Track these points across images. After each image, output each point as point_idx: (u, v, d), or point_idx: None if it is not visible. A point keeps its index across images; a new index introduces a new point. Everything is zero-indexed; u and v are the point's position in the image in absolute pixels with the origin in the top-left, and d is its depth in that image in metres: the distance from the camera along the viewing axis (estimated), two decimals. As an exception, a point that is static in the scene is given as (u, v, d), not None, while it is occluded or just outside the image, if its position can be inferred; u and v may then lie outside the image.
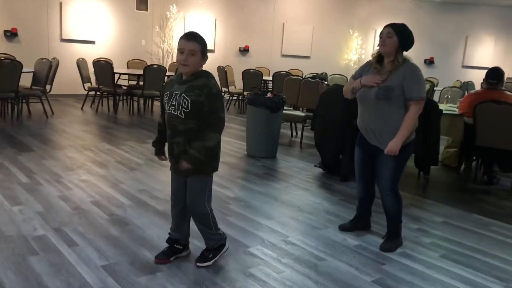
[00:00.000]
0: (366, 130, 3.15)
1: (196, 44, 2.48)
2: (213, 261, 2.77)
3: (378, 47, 3.03)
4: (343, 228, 3.53)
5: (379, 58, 3.06)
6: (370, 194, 3.45)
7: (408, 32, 3.00)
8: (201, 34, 2.54)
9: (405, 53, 3.02)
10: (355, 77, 3.20)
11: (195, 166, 2.54)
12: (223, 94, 10.21)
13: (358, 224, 3.54)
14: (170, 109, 2.56)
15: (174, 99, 2.53)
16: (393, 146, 2.96)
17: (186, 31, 12.09)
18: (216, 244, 2.79)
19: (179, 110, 2.51)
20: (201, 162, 2.54)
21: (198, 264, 2.75)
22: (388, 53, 2.98)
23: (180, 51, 2.49)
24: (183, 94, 2.51)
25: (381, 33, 3.02)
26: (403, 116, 2.97)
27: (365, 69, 3.16)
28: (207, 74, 2.57)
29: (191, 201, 2.68)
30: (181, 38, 2.52)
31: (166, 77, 8.67)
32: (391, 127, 2.99)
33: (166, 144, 2.73)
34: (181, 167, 2.56)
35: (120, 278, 2.58)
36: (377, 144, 3.12)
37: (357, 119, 3.23)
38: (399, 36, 2.94)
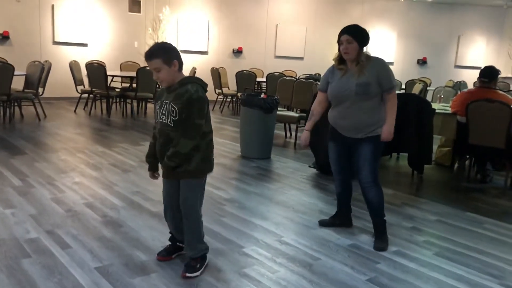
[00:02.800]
0: (343, 125, 3.23)
1: (155, 60, 2.45)
2: (200, 271, 2.70)
3: (343, 54, 3.13)
4: (322, 224, 3.58)
5: (340, 59, 3.18)
6: (347, 189, 3.51)
7: (363, 33, 3.15)
8: (159, 44, 2.56)
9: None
10: (322, 87, 3.33)
11: (168, 172, 2.59)
12: (216, 96, 10.28)
13: (337, 220, 3.58)
14: (161, 117, 2.56)
15: (164, 108, 2.54)
16: (387, 133, 3.13)
17: (179, 33, 11.96)
18: (200, 253, 2.74)
19: (168, 118, 2.52)
20: (173, 168, 2.54)
21: (187, 274, 2.65)
22: (352, 58, 3.10)
23: (152, 70, 2.52)
24: (171, 103, 2.51)
25: (339, 41, 3.12)
26: (379, 104, 3.14)
27: (330, 74, 3.27)
28: (192, 80, 2.55)
29: (183, 204, 2.66)
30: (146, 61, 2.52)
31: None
32: (373, 119, 3.13)
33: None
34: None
35: (114, 280, 2.56)
36: (354, 135, 3.18)
37: (329, 114, 3.32)
38: (358, 40, 3.07)
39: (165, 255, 2.83)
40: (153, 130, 2.73)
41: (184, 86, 2.50)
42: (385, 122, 3.14)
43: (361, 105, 3.11)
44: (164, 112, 2.54)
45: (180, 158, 2.52)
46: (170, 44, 2.61)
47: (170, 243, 2.90)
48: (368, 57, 3.13)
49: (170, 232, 2.88)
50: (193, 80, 2.56)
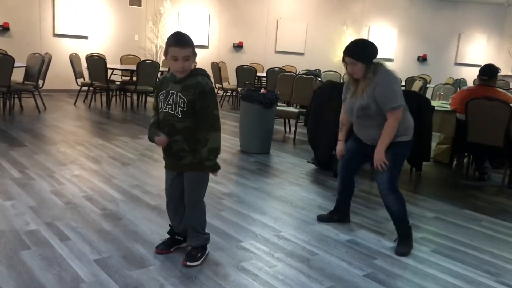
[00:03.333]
0: (361, 136, 3.23)
1: (188, 49, 2.46)
2: (200, 260, 2.74)
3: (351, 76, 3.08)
4: (321, 219, 3.58)
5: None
6: (349, 187, 3.50)
7: (366, 49, 3.00)
8: (187, 34, 2.52)
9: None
10: (344, 99, 3.30)
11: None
12: (216, 90, 10.27)
13: (336, 216, 3.58)
14: (167, 108, 2.56)
15: (171, 98, 2.53)
16: (377, 156, 3.02)
17: (180, 27, 11.90)
18: (202, 242, 2.77)
19: (176, 109, 2.52)
20: (215, 165, 2.57)
21: (188, 263, 2.69)
22: (360, 76, 3.02)
23: (174, 58, 2.46)
24: (179, 94, 2.51)
25: (344, 61, 3.04)
26: (385, 121, 3.02)
27: (346, 90, 3.25)
28: (201, 72, 2.57)
29: (190, 196, 2.68)
30: (172, 45, 2.46)
31: (159, 73, 8.65)
32: (377, 134, 3.06)
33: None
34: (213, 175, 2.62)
35: (112, 272, 2.58)
36: (374, 144, 3.10)
37: (343, 120, 3.37)
38: (361, 60, 2.96)
39: (164, 249, 2.85)
40: (154, 115, 2.68)
41: (194, 78, 2.52)
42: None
43: (368, 123, 3.07)
44: (170, 103, 2.54)
45: (217, 152, 2.57)
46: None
47: (168, 236, 2.91)
48: (376, 71, 2.96)
49: (169, 225, 2.89)
50: (202, 72, 2.57)
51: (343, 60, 3.04)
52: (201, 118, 2.53)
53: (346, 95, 3.25)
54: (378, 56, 3.05)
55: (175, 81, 2.56)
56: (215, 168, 2.58)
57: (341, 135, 3.40)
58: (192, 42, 2.51)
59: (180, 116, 2.52)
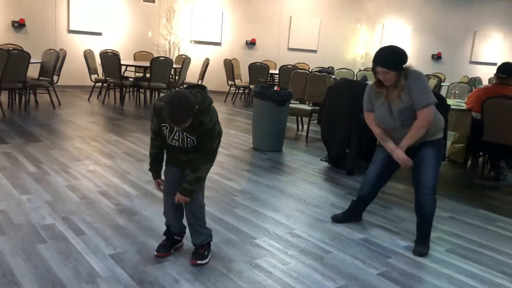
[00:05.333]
0: (396, 140, 3.09)
1: (188, 122, 2.37)
2: (208, 258, 2.74)
3: (384, 83, 2.97)
4: (335, 220, 3.55)
5: (379, 82, 3.01)
6: (372, 196, 3.47)
7: (396, 57, 2.92)
8: (182, 107, 2.31)
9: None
10: (368, 108, 3.17)
11: (190, 195, 2.63)
12: (228, 87, 10.29)
13: (352, 217, 3.56)
14: (173, 142, 2.57)
15: (177, 134, 2.53)
16: (395, 156, 2.99)
17: (193, 23, 11.86)
18: (205, 240, 2.77)
19: (183, 145, 2.56)
20: (192, 191, 2.61)
21: (198, 262, 2.69)
22: (393, 84, 2.95)
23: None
24: (185, 133, 2.52)
25: (375, 70, 2.96)
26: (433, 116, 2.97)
27: (371, 95, 3.12)
28: (204, 110, 2.47)
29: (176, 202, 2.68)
30: (168, 123, 2.41)
31: (172, 69, 8.68)
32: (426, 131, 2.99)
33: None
34: (176, 200, 2.63)
35: (127, 267, 2.60)
36: (413, 145, 3.05)
37: (381, 129, 3.16)
38: (393, 68, 2.89)
39: (165, 251, 2.79)
40: (153, 141, 2.66)
41: (198, 118, 2.44)
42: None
43: (409, 126, 2.98)
44: (176, 139, 2.55)
45: (202, 181, 2.64)
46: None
47: (165, 237, 2.85)
48: (406, 76, 2.91)
49: (166, 226, 2.84)
50: (204, 109, 2.48)
51: (373, 68, 2.96)
52: (199, 149, 2.56)
53: (372, 103, 3.12)
54: None
55: None
56: (190, 194, 2.62)
57: (392, 144, 3.10)
58: (190, 113, 2.34)
59: (190, 149, 2.58)
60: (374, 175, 3.34)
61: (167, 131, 2.56)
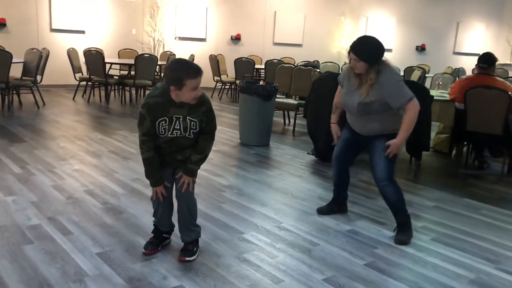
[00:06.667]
0: (356, 129, 3.21)
1: (200, 78, 2.50)
2: (196, 254, 2.75)
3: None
4: (321, 212, 3.58)
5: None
6: (344, 178, 3.52)
7: (370, 48, 2.94)
8: (188, 61, 2.52)
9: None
10: (341, 83, 3.28)
11: (195, 174, 2.67)
12: (214, 83, 10.27)
13: (335, 207, 3.59)
14: (174, 133, 2.53)
15: (177, 123, 2.51)
16: (393, 147, 3.00)
17: (177, 20, 11.78)
18: (195, 237, 2.78)
19: (187, 132, 2.54)
20: (196, 172, 2.67)
21: (187, 258, 2.69)
22: (362, 73, 2.99)
23: (193, 88, 2.44)
24: (188, 118, 2.51)
25: (349, 54, 3.01)
26: (388, 115, 3.03)
27: (347, 76, 3.17)
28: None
29: (186, 192, 2.66)
30: (191, 76, 2.41)
31: (157, 66, 8.63)
32: (379, 127, 3.07)
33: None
34: (184, 185, 2.62)
35: (115, 265, 2.60)
36: (369, 135, 3.13)
37: (340, 103, 3.35)
38: (363, 59, 2.92)
39: (153, 249, 2.78)
40: (146, 144, 2.55)
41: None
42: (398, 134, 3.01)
43: (367, 118, 3.06)
44: (177, 128, 2.52)
45: (204, 160, 2.67)
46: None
47: (152, 235, 2.84)
48: (379, 72, 2.93)
49: (154, 224, 2.83)
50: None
51: (349, 53, 3.01)
52: (206, 130, 2.61)
53: (346, 82, 3.17)
54: None
55: (177, 106, 2.49)
56: (196, 174, 2.66)
57: (334, 118, 3.43)
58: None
59: (192, 137, 2.57)
60: (336, 154, 3.42)
61: (167, 124, 2.50)
